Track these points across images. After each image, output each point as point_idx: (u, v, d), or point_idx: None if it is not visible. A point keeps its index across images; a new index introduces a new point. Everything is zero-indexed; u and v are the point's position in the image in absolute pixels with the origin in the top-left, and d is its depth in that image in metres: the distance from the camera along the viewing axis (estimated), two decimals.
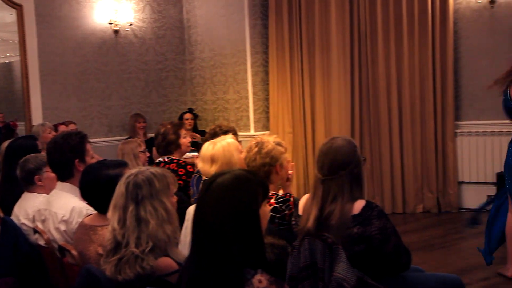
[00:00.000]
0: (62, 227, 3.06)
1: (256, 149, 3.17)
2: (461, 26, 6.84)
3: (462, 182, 6.94)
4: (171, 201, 2.43)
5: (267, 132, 7.26)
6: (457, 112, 6.91)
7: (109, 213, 2.39)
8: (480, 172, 6.82)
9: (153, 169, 2.44)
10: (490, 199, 4.97)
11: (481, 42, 6.73)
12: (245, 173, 2.05)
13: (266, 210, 2.07)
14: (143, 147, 4.65)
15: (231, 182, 1.97)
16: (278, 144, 3.21)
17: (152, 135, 6.26)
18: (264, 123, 7.51)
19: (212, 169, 3.28)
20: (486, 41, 6.70)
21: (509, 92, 4.24)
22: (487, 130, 6.74)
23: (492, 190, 6.68)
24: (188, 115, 7.84)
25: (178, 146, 4.67)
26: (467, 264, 4.97)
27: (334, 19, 7.03)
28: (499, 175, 6.53)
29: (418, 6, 6.79)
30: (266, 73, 7.44)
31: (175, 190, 2.50)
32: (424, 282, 2.82)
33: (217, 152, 3.31)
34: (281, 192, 3.25)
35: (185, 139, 4.75)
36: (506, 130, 6.64)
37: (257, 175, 2.13)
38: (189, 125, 7.69)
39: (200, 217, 1.98)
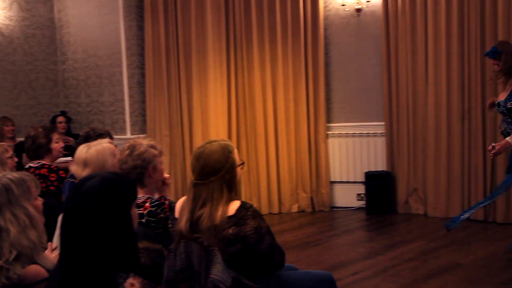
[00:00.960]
0: None
1: (128, 152, 3.10)
2: (331, 32, 7.17)
3: (334, 182, 7.26)
4: (34, 205, 2.34)
5: (143, 135, 7.16)
6: (328, 114, 7.23)
7: None
8: (350, 172, 7.17)
9: (10, 175, 2.33)
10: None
11: (349, 47, 7.09)
12: (112, 175, 2.02)
13: (135, 212, 2.04)
14: (10, 153, 4.38)
15: (99, 185, 1.92)
16: (152, 146, 3.16)
17: (22, 139, 5.94)
18: (141, 126, 7.39)
19: (84, 173, 3.18)
20: (354, 46, 7.07)
21: None
22: (356, 132, 7.10)
23: (361, 189, 7.06)
24: (61, 118, 7.53)
25: (49, 150, 4.45)
26: (339, 260, 5.20)
27: (210, 24, 7.08)
28: (367, 175, 6.92)
29: (291, 13, 7.02)
30: (143, 75, 7.33)
31: (38, 192, 2.41)
32: (297, 280, 2.90)
33: (90, 156, 3.21)
34: (156, 195, 3.21)
35: (57, 144, 4.53)
36: (373, 132, 7.06)
37: (124, 177, 2.10)
38: (62, 128, 7.38)
39: (69, 221, 1.92)
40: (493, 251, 5.23)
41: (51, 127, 4.80)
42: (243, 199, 7.43)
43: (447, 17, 6.30)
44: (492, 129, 6.10)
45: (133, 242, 1.97)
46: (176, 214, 2.74)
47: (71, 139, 7.13)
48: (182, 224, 2.58)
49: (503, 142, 4.56)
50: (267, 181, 7.20)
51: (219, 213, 2.56)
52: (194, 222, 2.59)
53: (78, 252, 1.86)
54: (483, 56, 5.70)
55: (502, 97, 4.86)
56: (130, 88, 7.28)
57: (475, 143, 6.24)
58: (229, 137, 7.14)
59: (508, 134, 4.70)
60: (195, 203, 2.61)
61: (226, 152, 2.65)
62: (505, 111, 4.75)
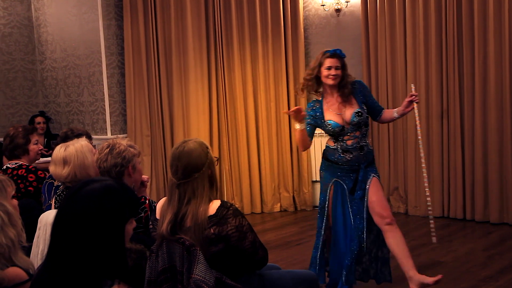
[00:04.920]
0: None
1: (107, 150, 3.08)
2: (311, 32, 7.19)
3: (316, 181, 7.27)
4: (11, 203, 2.30)
5: (124, 135, 7.11)
6: None
7: None
8: None
9: None
10: None
11: (329, 47, 7.05)
12: (115, 185, 1.93)
13: (130, 228, 1.96)
14: None
15: (100, 192, 1.86)
16: (131, 146, 3.15)
17: (1, 139, 5.86)
18: (122, 126, 7.33)
19: (64, 172, 3.16)
20: (334, 46, 7.00)
21: None
22: None
23: None
24: (39, 119, 7.45)
25: (26, 151, 4.40)
26: None
27: (190, 23, 7.05)
28: None
29: (271, 13, 7.04)
30: (123, 75, 7.27)
31: (12, 192, 2.37)
32: (280, 279, 2.91)
33: (70, 154, 3.19)
34: None
35: (36, 146, 4.46)
36: None
37: (129, 189, 2.01)
38: (41, 129, 7.31)
39: (61, 224, 1.86)
40: (473, 248, 5.29)
41: (32, 128, 4.74)
42: (225, 199, 7.44)
43: (425, 17, 6.35)
44: (470, 128, 6.17)
45: (123, 254, 1.92)
46: (157, 215, 2.73)
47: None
48: (165, 225, 2.57)
49: None
50: (249, 180, 7.20)
51: (201, 210, 2.56)
52: (178, 222, 2.58)
53: (66, 256, 1.82)
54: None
55: (346, 114, 4.46)
56: (110, 87, 7.22)
57: (453, 142, 6.30)
58: (211, 136, 7.14)
59: (354, 147, 4.11)
60: (181, 202, 2.60)
61: (204, 148, 2.68)
62: (353, 125, 4.30)
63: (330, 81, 3.97)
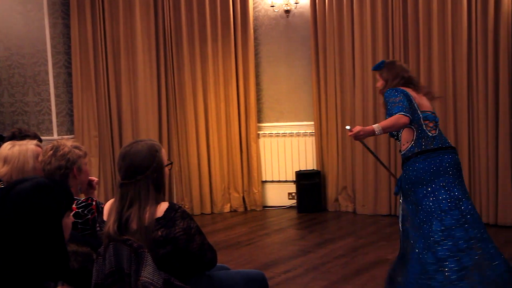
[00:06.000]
0: None
1: (51, 152, 3.02)
2: (261, 32, 7.23)
3: (266, 181, 7.31)
4: None
5: (71, 136, 6.97)
6: (259, 114, 7.28)
7: None
8: (281, 171, 7.24)
9: None
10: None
11: (279, 48, 7.17)
12: (47, 181, 1.90)
13: (68, 221, 1.95)
14: None
15: (32, 190, 1.82)
16: (76, 147, 3.09)
17: None
18: (69, 127, 7.19)
19: (2, 170, 3.13)
20: (283, 47, 7.15)
21: None
22: (286, 131, 7.18)
23: (292, 188, 7.15)
24: None
25: None
26: (271, 258, 5.24)
27: (139, 22, 6.98)
28: (298, 174, 7.01)
29: (221, 13, 7.02)
30: (69, 74, 7.13)
31: None
32: (229, 280, 2.91)
33: (12, 154, 3.14)
34: (82, 197, 3.14)
35: None
36: (303, 131, 7.16)
37: (61, 183, 2.00)
38: None
39: None
40: None
41: None
42: (175, 200, 7.41)
43: (372, 19, 6.48)
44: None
45: (64, 251, 1.89)
46: (105, 217, 2.69)
47: None
48: (110, 226, 2.53)
49: (368, 128, 3.74)
50: (199, 181, 7.17)
51: (147, 214, 2.53)
52: (123, 224, 2.54)
53: (5, 258, 1.77)
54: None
55: None
56: (56, 87, 7.06)
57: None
58: (160, 136, 7.08)
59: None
60: (123, 203, 2.56)
61: (152, 151, 2.61)
62: (393, 135, 4.32)
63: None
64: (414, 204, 3.72)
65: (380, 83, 4.09)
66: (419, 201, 3.67)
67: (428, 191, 3.66)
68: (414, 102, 3.78)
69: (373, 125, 3.65)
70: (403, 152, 3.88)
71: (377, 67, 4.15)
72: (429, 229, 3.57)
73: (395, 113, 3.63)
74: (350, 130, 3.70)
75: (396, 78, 3.95)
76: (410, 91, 3.83)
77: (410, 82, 3.94)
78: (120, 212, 2.55)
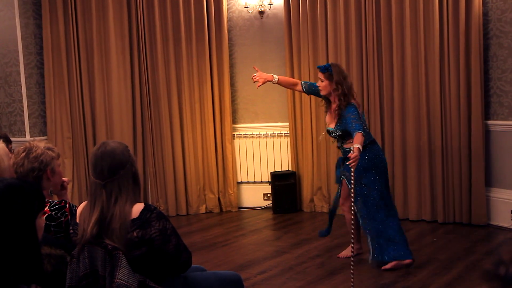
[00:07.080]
0: None
1: (23, 154, 2.98)
2: (235, 33, 7.23)
3: (241, 182, 7.31)
4: None
5: (44, 137, 6.88)
6: (234, 115, 7.27)
7: None
8: (256, 172, 7.25)
9: None
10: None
11: (253, 49, 7.17)
12: (18, 182, 1.88)
13: (41, 222, 1.94)
14: None
15: (3, 192, 1.80)
16: (49, 149, 3.05)
17: None
18: (41, 128, 7.10)
19: None
20: (258, 48, 7.16)
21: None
22: (261, 132, 7.19)
23: (267, 189, 7.15)
24: None
25: None
26: (247, 259, 5.24)
27: (112, 22, 6.93)
28: (273, 175, 7.02)
29: (195, 13, 7.00)
30: (42, 75, 7.04)
31: None
32: (204, 281, 2.91)
33: None
34: (55, 199, 3.10)
35: None
36: (278, 132, 7.18)
37: (33, 184, 1.97)
38: None
39: None
40: None
41: None
42: (150, 201, 7.36)
43: (345, 21, 6.52)
44: (390, 127, 6.38)
45: (37, 253, 1.87)
46: (78, 219, 2.66)
47: None
48: (89, 229, 2.51)
49: (356, 149, 4.30)
50: (174, 182, 7.13)
51: (127, 210, 2.53)
52: (107, 223, 2.53)
53: None
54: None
55: (331, 125, 4.88)
56: (28, 88, 6.97)
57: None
58: (134, 137, 7.04)
59: (343, 149, 4.85)
60: (109, 202, 2.56)
61: (124, 146, 2.69)
62: (336, 136, 4.86)
63: None
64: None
65: (324, 84, 4.80)
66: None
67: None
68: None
69: (356, 144, 4.34)
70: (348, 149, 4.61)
71: (324, 70, 4.72)
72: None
73: (358, 129, 4.46)
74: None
75: (350, 89, 4.75)
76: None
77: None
78: (105, 212, 2.54)
